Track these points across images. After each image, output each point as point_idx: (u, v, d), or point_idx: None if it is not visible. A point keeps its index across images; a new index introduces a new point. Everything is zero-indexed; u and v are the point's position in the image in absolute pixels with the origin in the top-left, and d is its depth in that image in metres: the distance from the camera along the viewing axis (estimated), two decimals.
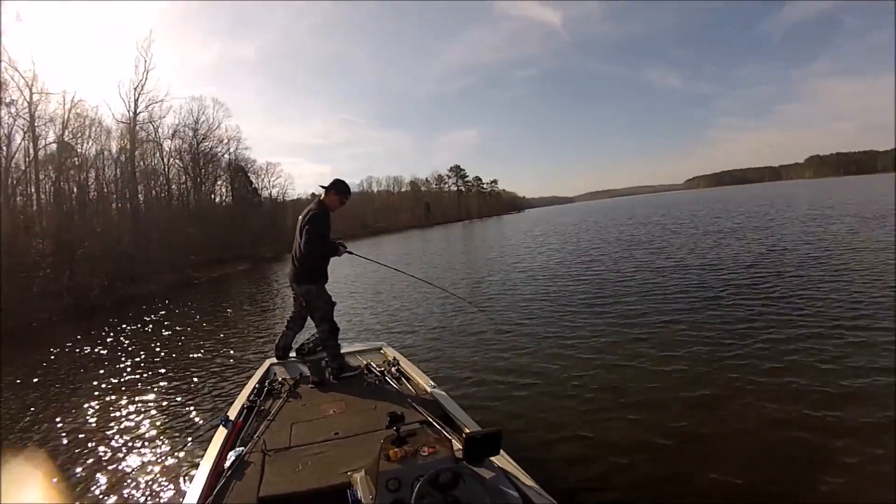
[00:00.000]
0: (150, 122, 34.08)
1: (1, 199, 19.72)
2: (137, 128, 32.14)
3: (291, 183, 67.35)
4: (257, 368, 4.69)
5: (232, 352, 9.17)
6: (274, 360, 4.75)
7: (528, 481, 2.44)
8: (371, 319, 10.60)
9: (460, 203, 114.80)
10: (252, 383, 4.11)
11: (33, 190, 23.27)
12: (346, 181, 4.36)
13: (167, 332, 12.27)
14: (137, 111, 32.20)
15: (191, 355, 9.37)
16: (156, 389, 7.38)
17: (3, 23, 22.59)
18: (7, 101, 22.50)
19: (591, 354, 6.52)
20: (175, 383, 7.63)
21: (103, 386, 7.94)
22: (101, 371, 8.93)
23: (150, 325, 13.69)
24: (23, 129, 23.21)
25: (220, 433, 3.14)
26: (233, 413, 3.45)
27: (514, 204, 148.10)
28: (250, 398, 3.72)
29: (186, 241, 31.26)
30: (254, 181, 50.80)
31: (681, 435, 4.27)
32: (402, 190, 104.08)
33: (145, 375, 8.30)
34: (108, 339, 12.04)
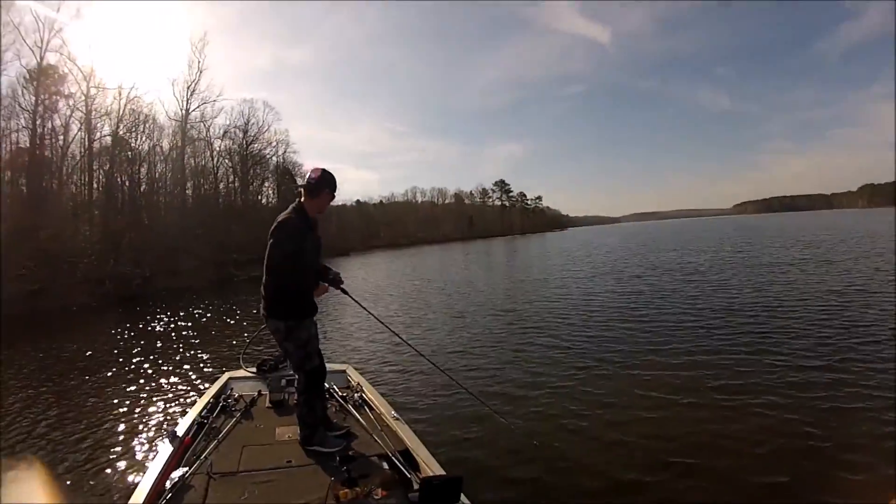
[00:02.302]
0: (202, 122, 35.43)
1: (45, 187, 20.79)
2: (189, 126, 33.48)
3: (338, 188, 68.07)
4: (215, 381, 4.44)
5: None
6: (234, 374, 4.48)
7: None
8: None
9: (503, 218, 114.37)
10: (206, 398, 3.85)
11: (87, 179, 24.45)
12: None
13: (186, 331, 12.48)
14: (190, 110, 33.55)
15: (198, 355, 9.47)
16: (142, 392, 7.25)
17: (63, 19, 23.66)
18: (66, 93, 23.72)
19: (601, 408, 5.95)
20: (166, 387, 7.51)
21: (95, 382, 7.99)
22: (103, 365, 9.09)
23: (176, 320, 14.08)
24: (79, 121, 24.35)
25: (165, 450, 2.97)
26: (181, 429, 3.24)
27: (557, 221, 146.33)
28: (202, 414, 3.52)
29: (230, 239, 32.18)
30: (300, 184, 51.89)
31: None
32: (446, 202, 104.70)
33: (142, 374, 8.28)
34: (130, 331, 12.40)
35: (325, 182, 3.24)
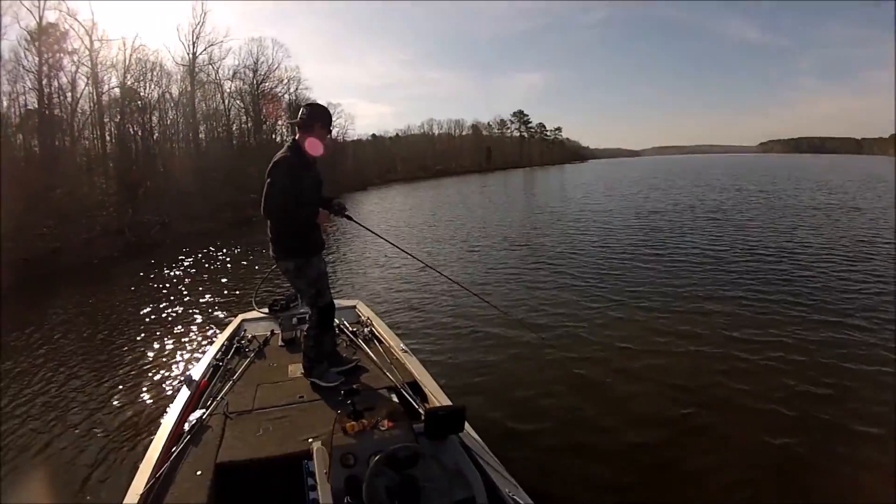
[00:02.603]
0: (210, 64, 34.52)
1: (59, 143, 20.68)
2: (197, 70, 32.72)
3: (352, 123, 67.11)
4: (229, 324, 4.55)
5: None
6: (247, 315, 4.64)
7: (493, 462, 2.32)
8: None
9: (522, 149, 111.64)
10: (221, 341, 3.99)
11: (99, 133, 24.28)
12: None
13: (204, 275, 12.69)
14: (197, 53, 32.66)
15: (213, 299, 9.71)
16: (159, 340, 7.42)
17: None
18: (69, 49, 23.10)
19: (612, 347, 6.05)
20: (183, 333, 7.72)
21: (114, 332, 8.23)
22: (123, 315, 9.31)
23: (194, 264, 14.33)
24: (86, 76, 23.86)
25: (183, 394, 3.09)
26: (197, 373, 3.38)
27: (577, 153, 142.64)
28: (217, 357, 3.65)
29: (246, 180, 32.08)
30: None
31: (669, 431, 4.18)
32: (464, 133, 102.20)
33: (160, 322, 8.45)
34: (149, 280, 12.52)
35: (316, 116, 3.16)
